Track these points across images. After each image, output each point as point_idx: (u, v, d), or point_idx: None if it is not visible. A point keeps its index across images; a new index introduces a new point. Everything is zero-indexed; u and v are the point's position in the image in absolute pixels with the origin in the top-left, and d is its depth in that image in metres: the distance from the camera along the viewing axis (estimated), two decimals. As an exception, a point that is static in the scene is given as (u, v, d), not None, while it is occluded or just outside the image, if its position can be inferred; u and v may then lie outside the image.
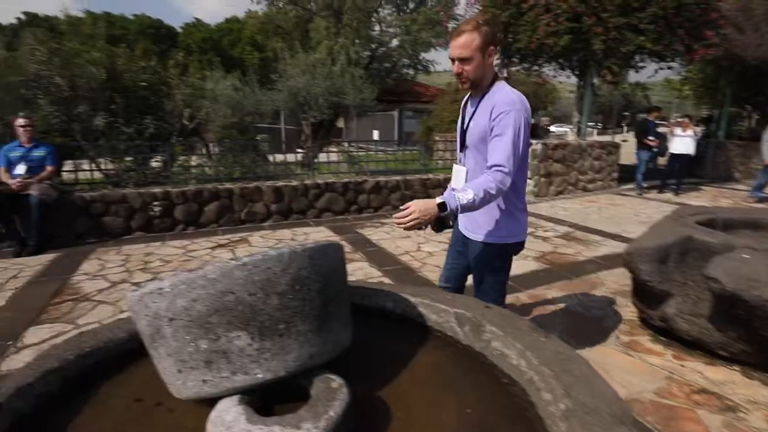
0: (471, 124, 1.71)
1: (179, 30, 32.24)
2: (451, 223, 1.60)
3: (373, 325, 1.70)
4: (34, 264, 4.07)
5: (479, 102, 1.68)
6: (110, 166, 5.67)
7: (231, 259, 1.11)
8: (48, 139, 5.31)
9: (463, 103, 1.84)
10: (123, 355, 1.47)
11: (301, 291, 1.20)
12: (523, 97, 1.64)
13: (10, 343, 2.58)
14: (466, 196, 1.45)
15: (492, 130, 1.58)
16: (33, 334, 2.69)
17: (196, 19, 32.65)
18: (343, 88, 9.24)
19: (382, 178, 6.51)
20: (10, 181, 4.39)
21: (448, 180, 6.74)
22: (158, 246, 4.69)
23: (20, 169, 4.51)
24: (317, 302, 1.23)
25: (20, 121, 4.53)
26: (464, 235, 1.88)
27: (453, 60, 1.60)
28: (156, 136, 5.64)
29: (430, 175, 6.96)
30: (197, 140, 7.97)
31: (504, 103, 1.56)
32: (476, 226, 1.80)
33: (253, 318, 1.12)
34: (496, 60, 7.81)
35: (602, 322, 2.90)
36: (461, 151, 1.81)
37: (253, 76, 9.46)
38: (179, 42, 31.07)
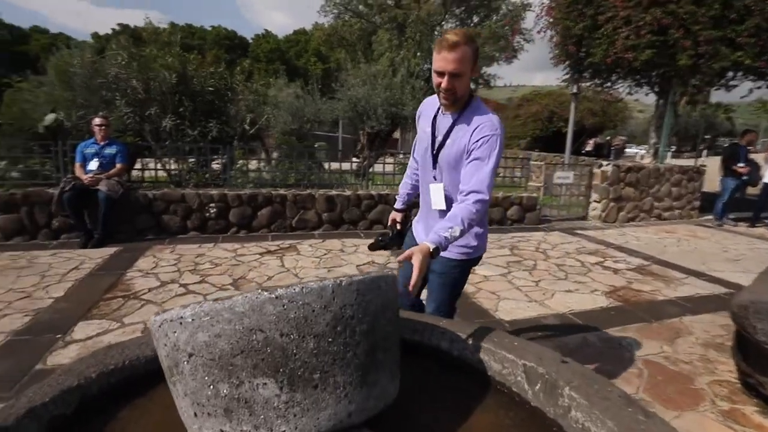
0: (448, 141, 1.61)
1: (250, 41, 34.12)
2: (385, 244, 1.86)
3: (424, 367, 1.46)
4: (96, 256, 4.23)
5: (457, 119, 1.59)
6: (174, 166, 5.88)
7: (263, 290, 0.93)
8: (122, 138, 5.61)
9: (429, 115, 1.70)
10: (148, 375, 1.34)
11: (343, 333, 0.99)
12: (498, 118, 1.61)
13: (59, 336, 2.61)
14: (453, 233, 1.41)
15: (471, 152, 1.53)
16: (81, 330, 2.71)
17: (266, 30, 34.37)
18: (403, 99, 9.13)
19: (436, 193, 6.25)
20: (83, 176, 4.64)
21: (506, 199, 6.18)
22: (210, 247, 4.74)
23: (93, 165, 4.76)
24: (362, 348, 1.01)
25: (97, 120, 4.79)
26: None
27: (442, 73, 1.47)
28: (218, 139, 5.79)
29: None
30: (258, 145, 8.17)
31: (488, 126, 1.51)
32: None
33: (283, 364, 0.92)
34: (565, 74, 7.28)
35: (693, 380, 2.44)
36: (434, 168, 1.71)
37: (315, 85, 9.61)
38: (249, 52, 32.83)
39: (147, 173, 5.67)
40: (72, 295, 3.26)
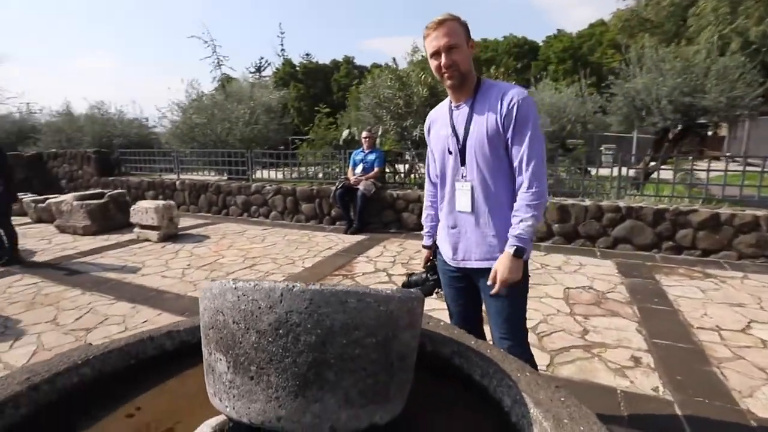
0: (471, 128, 1.45)
1: (541, 43, 33.53)
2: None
3: (471, 421, 1.22)
4: (347, 241, 5.35)
5: (473, 102, 1.45)
6: (422, 170, 6.64)
7: (233, 279, 1.06)
8: (390, 147, 6.78)
9: (442, 118, 1.56)
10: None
11: (284, 338, 1.00)
12: None
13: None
14: (526, 224, 1.39)
15: (506, 126, 1.39)
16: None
17: (558, 30, 32.87)
18: (705, 84, 6.98)
19: (725, 211, 4.52)
20: (351, 178, 5.92)
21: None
22: (432, 245, 5.13)
23: (358, 168, 5.99)
24: (304, 359, 0.99)
25: (363, 133, 6.00)
26: (465, 271, 1.58)
27: (437, 53, 1.39)
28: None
29: (835, 215, 4.23)
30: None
31: (514, 91, 1.38)
32: (492, 251, 1.49)
33: (232, 347, 1.04)
34: None
35: None
36: (462, 165, 1.50)
37: (584, 80, 8.61)
38: (539, 54, 32.30)
39: (397, 176, 6.64)
40: (315, 267, 4.29)
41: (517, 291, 1.53)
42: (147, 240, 5.37)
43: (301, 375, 0.99)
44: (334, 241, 5.38)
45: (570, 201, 5.15)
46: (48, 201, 6.33)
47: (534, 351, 2.64)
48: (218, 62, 12.29)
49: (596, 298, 3.46)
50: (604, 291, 3.63)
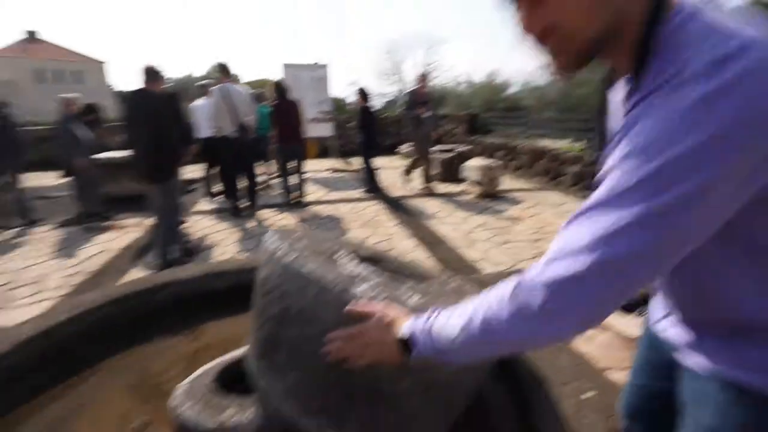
0: None
1: None
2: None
3: None
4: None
5: (637, 89, 0.54)
6: None
7: (276, 230, 1.06)
8: None
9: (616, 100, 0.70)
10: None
11: (266, 296, 0.95)
12: None
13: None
14: (446, 331, 0.64)
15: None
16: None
17: None
18: None
19: None
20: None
21: None
22: None
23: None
24: (268, 328, 0.91)
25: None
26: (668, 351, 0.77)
27: None
28: None
29: None
30: None
31: (697, 63, 0.45)
32: (698, 342, 0.70)
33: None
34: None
35: None
36: None
37: None
38: None
39: None
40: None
41: None
42: (469, 194, 5.94)
43: (262, 341, 0.94)
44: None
45: None
46: (421, 151, 8.07)
47: None
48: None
49: None
50: None
